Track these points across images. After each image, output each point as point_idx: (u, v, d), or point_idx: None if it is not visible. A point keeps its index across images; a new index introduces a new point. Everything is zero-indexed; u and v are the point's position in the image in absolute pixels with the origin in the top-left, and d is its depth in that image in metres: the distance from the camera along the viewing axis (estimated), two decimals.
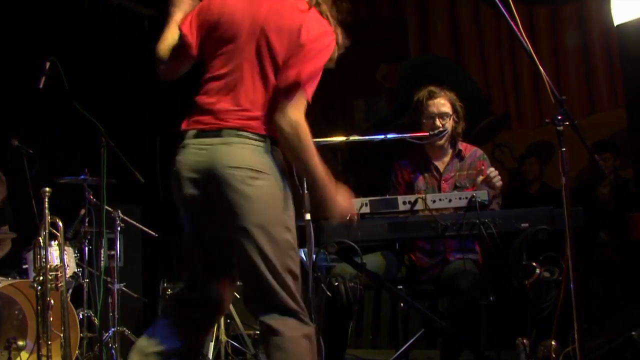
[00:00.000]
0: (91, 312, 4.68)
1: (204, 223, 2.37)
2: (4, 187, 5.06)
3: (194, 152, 2.32)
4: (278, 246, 2.25)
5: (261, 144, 2.29)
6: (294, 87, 2.24)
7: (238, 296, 4.94)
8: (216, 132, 2.29)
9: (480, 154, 3.67)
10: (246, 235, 2.23)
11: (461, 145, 3.69)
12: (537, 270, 2.91)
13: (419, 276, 3.57)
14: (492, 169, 3.43)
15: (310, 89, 2.28)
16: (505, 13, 2.55)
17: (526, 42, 2.57)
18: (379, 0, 6.60)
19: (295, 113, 2.22)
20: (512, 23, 2.55)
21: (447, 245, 3.50)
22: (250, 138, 2.27)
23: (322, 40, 2.33)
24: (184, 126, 2.40)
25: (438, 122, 3.58)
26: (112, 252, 4.81)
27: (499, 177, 3.38)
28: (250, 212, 2.22)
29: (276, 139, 2.32)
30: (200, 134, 2.33)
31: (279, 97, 2.26)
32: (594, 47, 5.67)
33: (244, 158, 2.25)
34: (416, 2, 6.42)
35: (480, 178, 3.42)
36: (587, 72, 5.70)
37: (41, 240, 2.40)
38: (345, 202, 2.41)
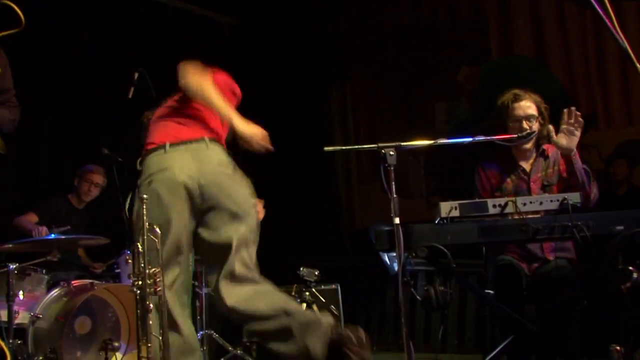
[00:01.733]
0: None
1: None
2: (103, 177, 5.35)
3: None
4: None
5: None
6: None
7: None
8: None
9: None
10: None
11: (545, 146, 3.68)
12: (634, 275, 2.82)
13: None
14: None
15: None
16: (598, 9, 2.48)
17: (622, 39, 2.48)
18: (459, 2, 6.51)
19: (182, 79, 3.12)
20: (607, 20, 2.47)
21: (544, 246, 3.44)
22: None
23: None
24: None
25: (525, 125, 3.57)
26: (198, 257, 4.90)
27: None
28: None
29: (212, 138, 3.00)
30: None
31: None
32: None
33: None
34: (497, 2, 6.30)
35: None
36: None
37: (139, 246, 2.48)
38: (255, 128, 2.94)
